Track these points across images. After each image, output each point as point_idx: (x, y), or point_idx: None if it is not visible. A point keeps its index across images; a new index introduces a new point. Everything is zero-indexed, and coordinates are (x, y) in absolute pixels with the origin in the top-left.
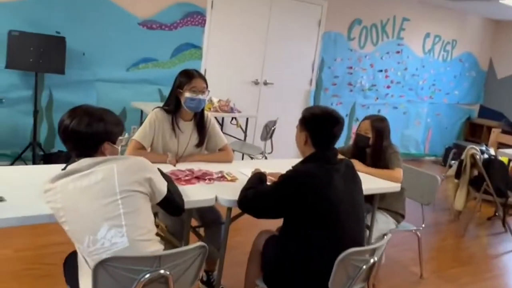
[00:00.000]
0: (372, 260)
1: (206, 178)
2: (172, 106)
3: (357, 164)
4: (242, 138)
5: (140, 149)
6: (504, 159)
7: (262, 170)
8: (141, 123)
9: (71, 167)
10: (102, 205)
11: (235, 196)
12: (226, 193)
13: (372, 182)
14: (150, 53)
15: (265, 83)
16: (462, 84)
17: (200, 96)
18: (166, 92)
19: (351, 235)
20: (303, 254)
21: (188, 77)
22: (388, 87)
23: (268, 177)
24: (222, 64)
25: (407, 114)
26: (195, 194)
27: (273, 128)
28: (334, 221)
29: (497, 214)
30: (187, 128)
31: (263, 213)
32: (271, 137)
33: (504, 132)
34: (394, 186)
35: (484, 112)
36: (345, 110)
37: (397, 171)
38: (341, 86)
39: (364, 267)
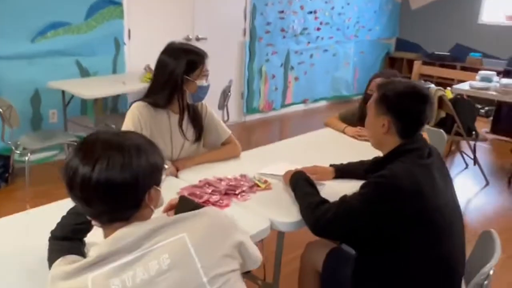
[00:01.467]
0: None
1: (237, 192)
2: (164, 99)
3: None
4: None
5: None
6: (448, 93)
7: (287, 166)
8: (64, 108)
9: (103, 248)
10: None
11: (292, 215)
12: (278, 213)
13: None
14: (59, 15)
15: (198, 39)
16: (381, 19)
17: (208, 81)
18: (87, 63)
19: (457, 251)
20: (400, 276)
21: (199, 56)
22: (318, 29)
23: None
24: (148, 23)
25: (336, 56)
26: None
27: (229, 94)
28: (444, 234)
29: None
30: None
31: (349, 236)
32: (227, 104)
33: (425, 63)
34: None
35: (401, 45)
36: (280, 59)
37: None
38: (274, 33)
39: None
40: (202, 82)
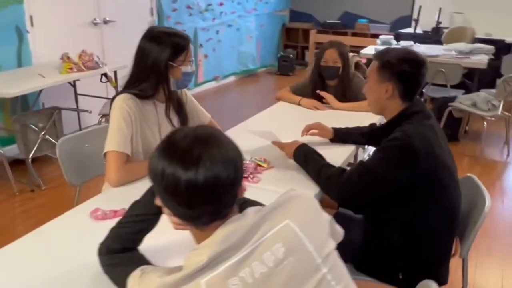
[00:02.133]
0: None
1: (247, 175)
2: (151, 89)
3: (333, 101)
4: None
5: (126, 162)
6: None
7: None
8: None
9: (213, 249)
10: None
11: (310, 188)
12: (297, 188)
13: (352, 120)
14: None
15: (106, 22)
16: None
17: (193, 68)
18: None
19: (457, 205)
20: (407, 231)
21: (184, 39)
22: (221, 4)
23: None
24: (51, 7)
25: (240, 31)
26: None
27: None
28: (449, 190)
29: None
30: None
31: (372, 200)
32: None
33: (319, 32)
34: (377, 117)
35: (295, 16)
36: None
37: None
38: (181, 11)
39: None
40: (187, 68)
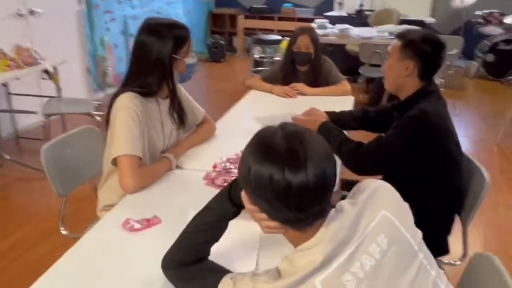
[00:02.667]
0: None
1: None
2: (155, 85)
3: (306, 88)
4: (55, 95)
5: (139, 165)
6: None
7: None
8: None
9: (325, 249)
10: (409, 283)
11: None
12: None
13: (326, 104)
14: None
15: (32, 13)
16: None
17: (195, 58)
18: None
19: (462, 182)
20: (417, 201)
21: (185, 30)
22: None
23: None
24: None
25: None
26: None
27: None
28: (458, 166)
29: None
30: (167, 109)
31: (387, 170)
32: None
33: (246, 17)
34: (349, 100)
35: (220, 1)
36: (118, 27)
37: (344, 83)
38: None
39: None
40: (189, 60)
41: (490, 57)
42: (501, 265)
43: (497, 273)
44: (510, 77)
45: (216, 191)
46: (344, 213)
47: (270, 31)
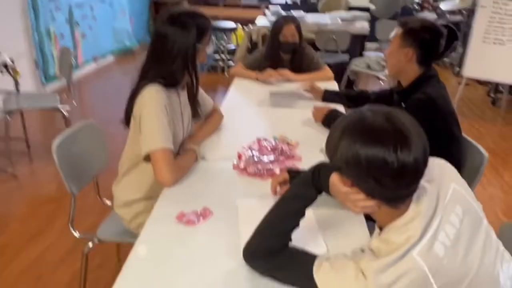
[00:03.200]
0: None
1: (289, 154)
2: (180, 77)
3: (289, 74)
4: (14, 89)
5: (174, 158)
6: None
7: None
8: None
9: (420, 224)
10: (481, 247)
11: None
12: None
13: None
14: None
15: None
16: None
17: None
18: None
19: (462, 158)
20: None
21: (206, 19)
22: None
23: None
24: None
25: (113, 6)
26: None
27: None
28: (459, 143)
29: None
30: (185, 100)
31: None
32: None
33: (190, 3)
34: (333, 86)
35: None
36: (64, 15)
37: (327, 69)
38: None
39: None
40: (210, 49)
41: None
42: None
43: None
44: (446, 60)
45: (250, 179)
46: (425, 189)
47: (215, 18)
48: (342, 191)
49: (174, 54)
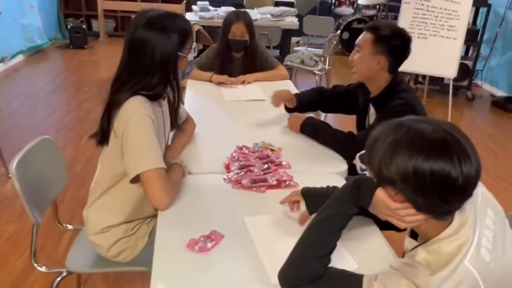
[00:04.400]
0: None
1: (278, 162)
2: (162, 86)
3: (246, 77)
4: None
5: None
6: None
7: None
8: None
9: (466, 235)
10: (511, 245)
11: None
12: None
13: (268, 90)
14: None
15: None
16: None
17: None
18: None
19: None
20: None
21: (187, 22)
22: None
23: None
24: None
25: (19, 0)
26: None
27: None
28: None
29: None
30: (167, 111)
31: None
32: None
33: None
34: (288, 84)
35: None
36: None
37: (281, 68)
38: None
39: None
40: (191, 56)
41: (346, 35)
42: None
43: None
44: None
45: (247, 192)
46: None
47: (134, 13)
48: (390, 208)
49: (155, 62)
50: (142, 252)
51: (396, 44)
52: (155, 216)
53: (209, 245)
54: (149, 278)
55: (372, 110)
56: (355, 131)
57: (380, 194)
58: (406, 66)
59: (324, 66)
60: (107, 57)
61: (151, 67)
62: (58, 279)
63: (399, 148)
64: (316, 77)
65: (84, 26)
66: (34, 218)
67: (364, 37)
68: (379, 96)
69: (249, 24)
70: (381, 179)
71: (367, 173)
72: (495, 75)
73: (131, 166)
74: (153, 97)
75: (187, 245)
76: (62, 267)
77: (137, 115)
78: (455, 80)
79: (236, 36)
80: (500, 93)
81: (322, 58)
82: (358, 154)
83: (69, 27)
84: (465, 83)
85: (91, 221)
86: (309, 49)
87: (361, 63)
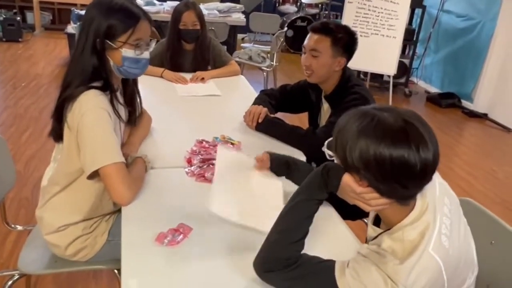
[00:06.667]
0: None
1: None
2: (103, 74)
3: (203, 74)
4: None
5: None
6: None
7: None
8: None
9: (426, 220)
10: (463, 231)
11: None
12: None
13: (222, 86)
14: None
15: None
16: None
17: (147, 54)
18: None
19: None
20: None
21: (131, 16)
22: None
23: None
24: None
25: None
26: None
27: None
28: None
29: None
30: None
31: None
32: None
33: None
34: (243, 81)
35: None
36: None
37: (234, 63)
38: None
39: None
40: (129, 52)
41: (290, 33)
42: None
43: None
44: None
45: (210, 185)
46: (425, 187)
47: (72, 5)
48: (356, 192)
49: (88, 41)
50: (101, 250)
51: (350, 43)
52: (114, 212)
53: (178, 238)
54: (104, 277)
55: (326, 106)
56: (304, 127)
57: (347, 179)
58: (350, 64)
59: (272, 63)
60: (44, 51)
61: (85, 45)
62: (10, 282)
63: (363, 136)
64: (264, 73)
65: (18, 18)
66: None
67: (320, 41)
68: (333, 93)
69: (200, 13)
70: (347, 166)
71: (334, 159)
72: (429, 73)
73: (88, 161)
74: (103, 88)
75: (156, 239)
76: (13, 269)
77: (91, 107)
78: (393, 77)
79: (188, 25)
80: (433, 89)
81: (269, 55)
82: (326, 141)
83: (1, 19)
84: (402, 80)
85: (46, 220)
86: (255, 46)
87: (322, 67)
